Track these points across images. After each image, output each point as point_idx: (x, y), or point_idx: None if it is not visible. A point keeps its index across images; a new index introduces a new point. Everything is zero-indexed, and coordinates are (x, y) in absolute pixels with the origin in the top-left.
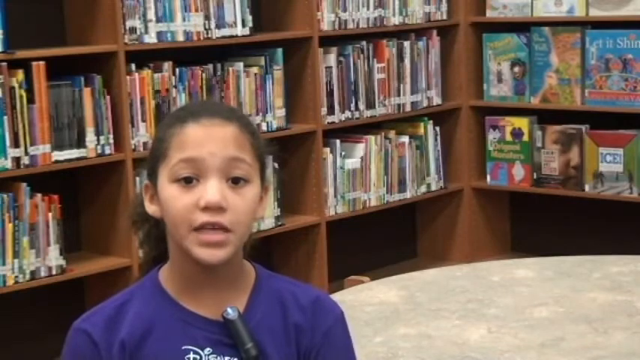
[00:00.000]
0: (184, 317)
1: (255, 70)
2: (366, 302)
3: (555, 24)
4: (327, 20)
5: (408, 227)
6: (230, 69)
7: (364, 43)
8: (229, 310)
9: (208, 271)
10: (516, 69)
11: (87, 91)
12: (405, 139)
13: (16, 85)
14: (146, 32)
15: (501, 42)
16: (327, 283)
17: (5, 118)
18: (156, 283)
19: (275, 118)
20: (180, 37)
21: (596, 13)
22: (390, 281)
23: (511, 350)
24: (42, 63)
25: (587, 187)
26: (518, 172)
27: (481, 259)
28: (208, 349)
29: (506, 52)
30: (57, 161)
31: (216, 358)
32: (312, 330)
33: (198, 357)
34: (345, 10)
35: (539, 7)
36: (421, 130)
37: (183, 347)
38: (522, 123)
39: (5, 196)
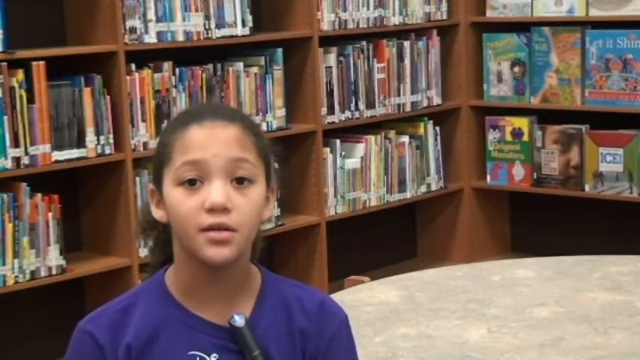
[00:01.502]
0: (191, 322)
1: (255, 70)
2: (366, 302)
3: (555, 24)
4: (327, 20)
5: (408, 227)
6: (230, 69)
7: (364, 43)
8: (236, 317)
9: (214, 273)
10: (516, 69)
11: (87, 91)
12: (405, 139)
13: (16, 85)
14: (146, 32)
15: (501, 42)
16: (327, 283)
17: (5, 118)
18: (162, 286)
19: (275, 118)
20: (180, 37)
21: (596, 13)
22: (390, 281)
23: (511, 350)
24: (42, 63)
25: (587, 187)
26: (518, 172)
27: (481, 259)
28: (215, 354)
29: (506, 52)
30: (57, 161)
31: None
32: (317, 335)
33: None
34: (345, 10)
35: (539, 7)
36: (421, 130)
37: (189, 352)
38: (522, 123)
39: (5, 196)
